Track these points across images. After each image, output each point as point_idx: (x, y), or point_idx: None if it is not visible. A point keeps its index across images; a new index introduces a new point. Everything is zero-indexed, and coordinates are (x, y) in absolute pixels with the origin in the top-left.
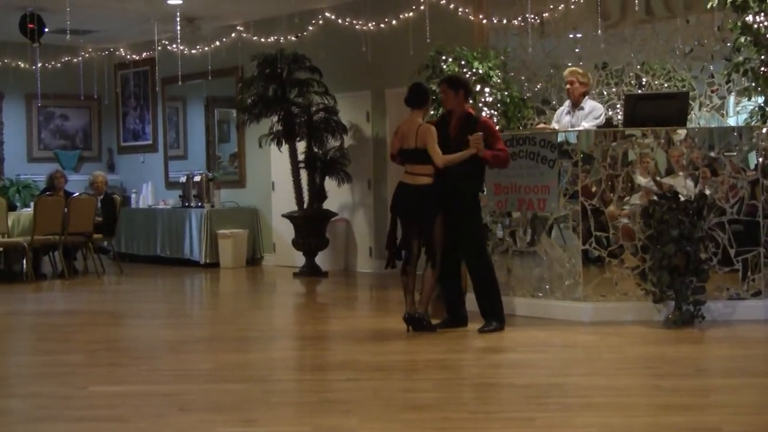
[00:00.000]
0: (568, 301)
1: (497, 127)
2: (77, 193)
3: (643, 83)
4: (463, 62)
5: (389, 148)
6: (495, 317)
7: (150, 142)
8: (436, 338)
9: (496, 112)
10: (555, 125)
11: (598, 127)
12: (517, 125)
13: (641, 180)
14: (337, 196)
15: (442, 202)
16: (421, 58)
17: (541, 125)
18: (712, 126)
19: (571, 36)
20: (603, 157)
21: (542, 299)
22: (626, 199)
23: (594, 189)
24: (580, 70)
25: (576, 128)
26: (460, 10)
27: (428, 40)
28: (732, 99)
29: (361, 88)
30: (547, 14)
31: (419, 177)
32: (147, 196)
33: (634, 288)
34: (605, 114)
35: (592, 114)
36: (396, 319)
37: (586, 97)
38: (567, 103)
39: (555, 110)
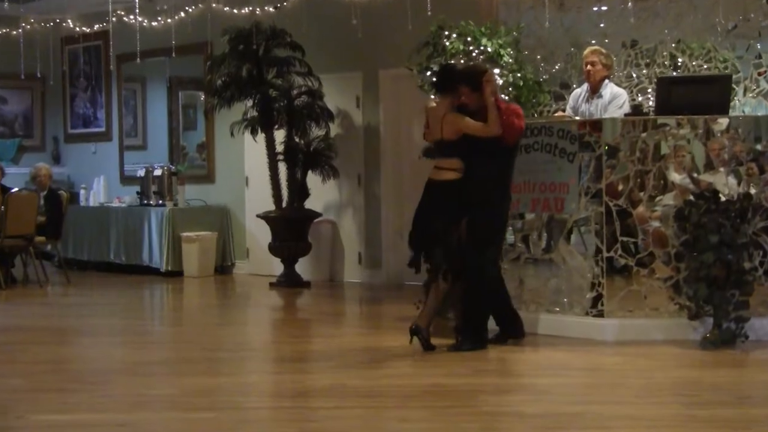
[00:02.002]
0: (590, 318)
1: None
2: (16, 189)
3: (679, 64)
4: (468, 39)
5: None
6: (468, 337)
7: (103, 129)
8: (436, 360)
9: (507, 97)
10: (569, 111)
11: (625, 115)
12: (531, 112)
13: (675, 177)
14: (321, 193)
15: (467, 204)
16: (420, 34)
17: (560, 113)
18: (759, 114)
19: (594, 9)
20: (631, 150)
21: (559, 315)
22: (658, 199)
23: (620, 187)
24: (603, 50)
25: (599, 118)
26: None
27: (429, 14)
28: None
29: (350, 68)
30: None
31: (444, 171)
32: (99, 192)
33: (667, 302)
34: (629, 101)
35: (614, 103)
36: (390, 337)
37: (607, 82)
38: (585, 87)
39: None
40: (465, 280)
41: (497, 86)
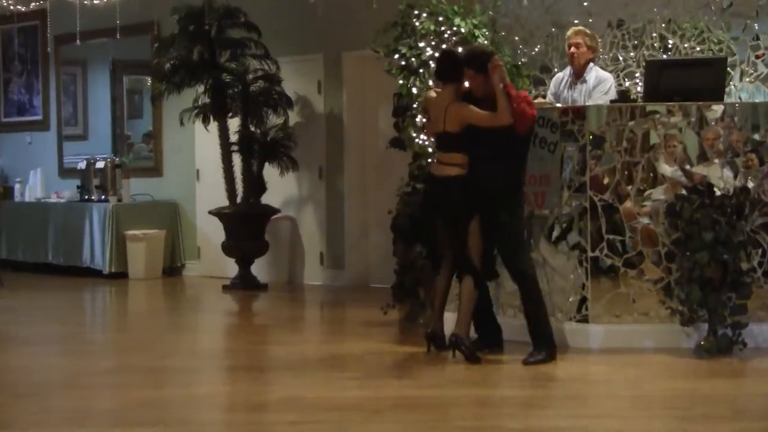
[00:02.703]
0: (573, 323)
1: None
2: None
3: (669, 46)
4: (440, 19)
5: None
6: (543, 344)
7: (39, 117)
8: (407, 370)
9: None
10: (550, 98)
11: (611, 102)
12: None
13: (666, 169)
14: (279, 187)
15: (474, 200)
16: (387, 13)
17: (540, 99)
18: (757, 101)
19: None
20: (618, 139)
21: None
22: (647, 193)
23: (606, 180)
24: (588, 31)
25: (582, 105)
26: None
27: None
28: None
29: (310, 50)
30: None
31: (445, 167)
32: (35, 186)
33: (657, 306)
34: (616, 86)
35: (599, 88)
36: (355, 344)
37: (591, 65)
38: (568, 71)
39: None
40: (521, 290)
41: (505, 72)
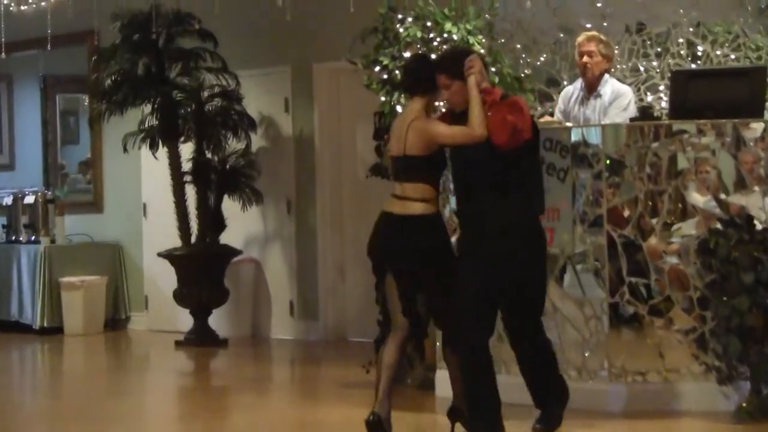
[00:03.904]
0: (590, 382)
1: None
2: None
3: (699, 53)
4: (428, 24)
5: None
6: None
7: None
8: None
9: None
10: (559, 116)
11: (631, 120)
12: None
13: (697, 199)
14: (241, 224)
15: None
16: (366, 18)
17: (547, 117)
18: None
19: None
20: (639, 164)
21: None
22: (675, 227)
23: (627, 213)
24: (602, 37)
25: (597, 124)
26: None
27: None
28: None
29: (276, 62)
30: None
31: (406, 203)
32: None
33: (689, 361)
34: (636, 101)
35: (616, 104)
36: (331, 409)
37: (607, 77)
38: (579, 84)
39: None
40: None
41: (485, 73)
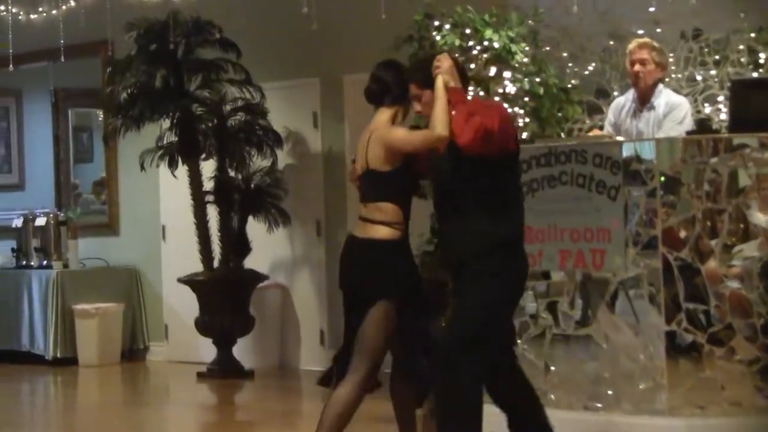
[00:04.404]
0: (644, 416)
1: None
2: None
3: (761, 61)
4: (467, 31)
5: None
6: None
7: None
8: None
9: (521, 110)
10: (609, 129)
11: (687, 133)
12: (555, 131)
13: (760, 218)
14: (267, 247)
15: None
16: (399, 25)
17: (596, 131)
18: None
19: None
20: (697, 181)
21: (601, 413)
22: (736, 249)
23: (683, 234)
24: (655, 44)
25: (651, 137)
26: None
27: None
28: None
29: (303, 73)
30: None
31: (371, 226)
32: None
33: (752, 394)
34: (693, 113)
35: (671, 116)
36: None
37: (661, 87)
38: (630, 95)
39: None
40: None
41: (455, 73)
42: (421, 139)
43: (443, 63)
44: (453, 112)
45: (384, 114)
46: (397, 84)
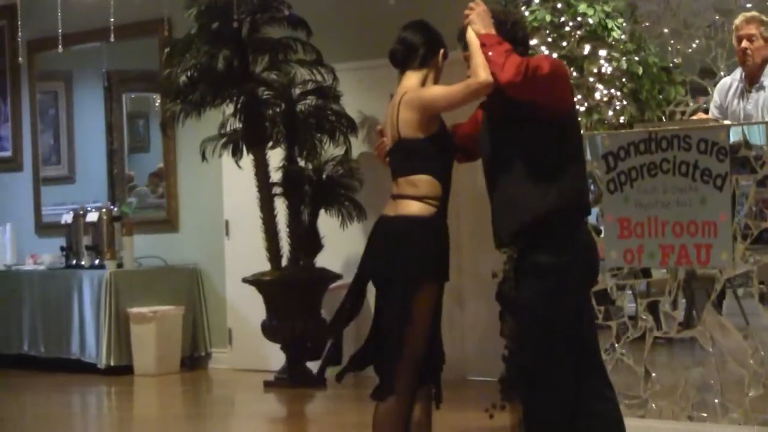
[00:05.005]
0: (754, 426)
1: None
2: None
3: None
4: (559, 6)
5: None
6: None
7: (8, 153)
8: None
9: (619, 92)
10: (715, 112)
11: None
12: (656, 114)
13: None
14: (340, 244)
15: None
16: None
17: (701, 114)
18: None
19: None
20: None
21: (708, 424)
22: None
23: None
24: (764, 17)
25: (761, 120)
26: None
27: None
28: None
29: (379, 53)
30: None
31: (403, 202)
32: (4, 248)
33: None
34: None
35: None
36: None
37: None
38: (738, 74)
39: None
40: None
41: (486, 19)
42: (462, 89)
43: (474, 10)
44: (489, 53)
45: (411, 78)
46: (425, 44)
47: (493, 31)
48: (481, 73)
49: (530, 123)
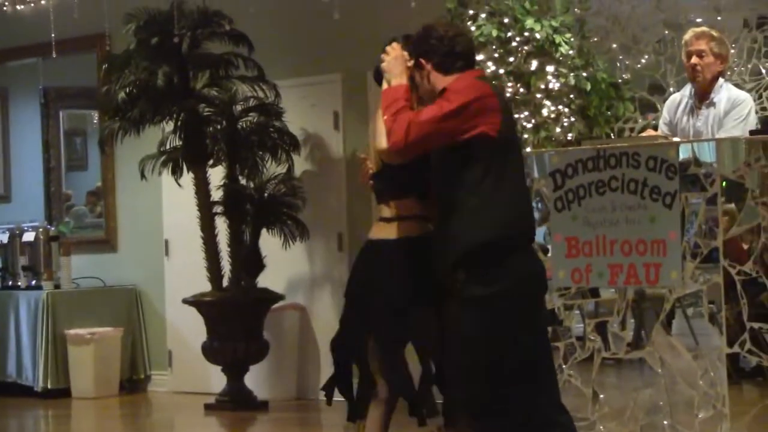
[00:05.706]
0: None
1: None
2: None
3: None
4: (506, 21)
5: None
6: None
7: None
8: None
9: (567, 108)
10: (664, 129)
11: (750, 133)
12: (604, 131)
13: None
14: (282, 264)
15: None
16: (430, 15)
17: (650, 131)
18: None
19: None
20: (762, 187)
21: None
22: None
23: (748, 245)
24: (714, 33)
25: (711, 137)
26: None
27: None
28: None
29: (323, 69)
30: None
31: (389, 225)
32: None
33: None
34: (757, 110)
35: (733, 114)
36: None
37: (721, 82)
38: (688, 91)
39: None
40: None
41: (399, 66)
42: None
43: (390, 55)
44: (384, 116)
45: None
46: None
47: (404, 80)
48: (380, 140)
49: (461, 151)
